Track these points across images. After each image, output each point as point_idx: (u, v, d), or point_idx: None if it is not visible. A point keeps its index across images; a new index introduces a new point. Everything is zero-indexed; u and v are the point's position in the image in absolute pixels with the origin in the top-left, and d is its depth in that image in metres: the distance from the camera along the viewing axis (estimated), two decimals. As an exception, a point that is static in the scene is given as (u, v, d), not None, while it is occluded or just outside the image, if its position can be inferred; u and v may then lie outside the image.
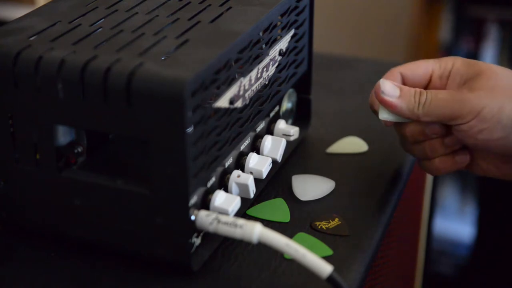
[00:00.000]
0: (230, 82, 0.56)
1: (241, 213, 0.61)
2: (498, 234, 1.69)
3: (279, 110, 0.69)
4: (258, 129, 0.64)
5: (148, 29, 0.57)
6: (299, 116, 0.73)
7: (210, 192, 0.56)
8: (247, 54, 0.58)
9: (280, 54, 0.65)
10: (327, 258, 0.56)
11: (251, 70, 0.59)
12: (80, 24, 0.58)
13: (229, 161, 0.60)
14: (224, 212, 0.55)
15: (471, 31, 1.83)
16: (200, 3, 0.63)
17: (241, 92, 0.58)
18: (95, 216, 0.56)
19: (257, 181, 0.62)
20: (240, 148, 0.61)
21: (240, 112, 0.59)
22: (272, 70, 0.64)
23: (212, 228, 0.54)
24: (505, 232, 1.68)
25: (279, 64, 0.65)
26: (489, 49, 1.81)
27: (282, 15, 0.64)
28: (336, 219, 0.62)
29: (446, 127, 0.62)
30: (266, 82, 0.63)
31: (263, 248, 0.57)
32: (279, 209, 0.63)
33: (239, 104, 0.58)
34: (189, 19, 0.59)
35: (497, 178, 0.66)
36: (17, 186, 0.58)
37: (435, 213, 1.39)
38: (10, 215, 0.60)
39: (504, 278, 1.63)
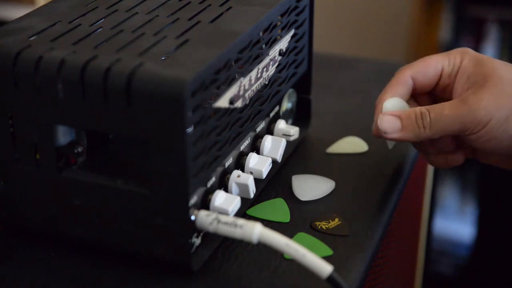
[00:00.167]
0: (230, 82, 0.56)
1: (241, 213, 0.61)
2: (498, 234, 1.70)
3: (279, 110, 0.68)
4: (258, 129, 0.64)
5: (148, 29, 0.57)
6: (299, 116, 0.73)
7: (210, 192, 0.56)
8: (247, 54, 0.58)
9: (280, 54, 0.65)
10: (327, 258, 0.56)
11: (251, 70, 0.59)
12: (80, 24, 0.58)
13: (229, 161, 0.60)
14: (224, 212, 0.55)
15: (471, 31, 1.83)
16: (200, 3, 0.63)
17: (241, 92, 0.58)
18: (95, 216, 0.56)
19: (257, 181, 0.62)
20: (240, 148, 0.61)
21: (240, 112, 0.59)
22: (272, 70, 0.64)
23: (212, 228, 0.54)
24: (505, 232, 1.68)
25: (279, 64, 0.65)
26: (489, 49, 1.81)
27: (282, 15, 0.64)
28: (336, 219, 0.62)
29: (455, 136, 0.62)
30: (266, 82, 0.63)
31: (263, 248, 0.57)
32: (279, 209, 0.63)
33: (239, 104, 0.58)
34: (189, 19, 0.59)
35: (500, 168, 0.66)
36: (17, 186, 0.58)
37: (435, 213, 1.38)
38: (10, 215, 0.60)
39: (504, 278, 1.63)
